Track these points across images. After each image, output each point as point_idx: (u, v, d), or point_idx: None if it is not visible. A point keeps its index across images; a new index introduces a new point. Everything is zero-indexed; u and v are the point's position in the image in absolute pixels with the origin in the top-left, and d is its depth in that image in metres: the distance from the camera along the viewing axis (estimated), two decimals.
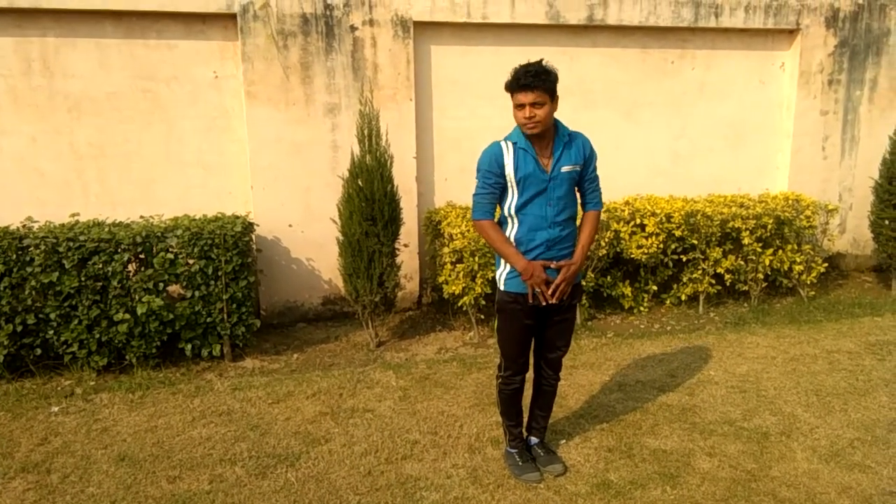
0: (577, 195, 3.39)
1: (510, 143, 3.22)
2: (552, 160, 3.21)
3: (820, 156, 6.97)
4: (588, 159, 3.32)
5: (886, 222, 6.43)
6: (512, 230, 3.28)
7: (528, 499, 3.31)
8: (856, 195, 7.12)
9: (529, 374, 3.53)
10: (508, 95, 3.18)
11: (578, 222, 3.41)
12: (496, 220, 3.32)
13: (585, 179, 3.34)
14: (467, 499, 3.32)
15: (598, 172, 3.42)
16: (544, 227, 3.22)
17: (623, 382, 4.59)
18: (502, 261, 3.31)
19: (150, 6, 5.30)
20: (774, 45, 6.81)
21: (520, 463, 3.52)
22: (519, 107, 3.13)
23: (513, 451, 3.58)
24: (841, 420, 4.04)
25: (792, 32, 6.76)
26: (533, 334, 3.42)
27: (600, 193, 3.43)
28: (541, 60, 3.14)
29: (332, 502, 3.31)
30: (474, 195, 3.29)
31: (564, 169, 3.22)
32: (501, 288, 3.35)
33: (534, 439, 3.67)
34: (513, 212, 3.25)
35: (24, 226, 4.79)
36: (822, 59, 6.77)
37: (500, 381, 3.50)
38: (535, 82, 3.07)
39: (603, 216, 5.60)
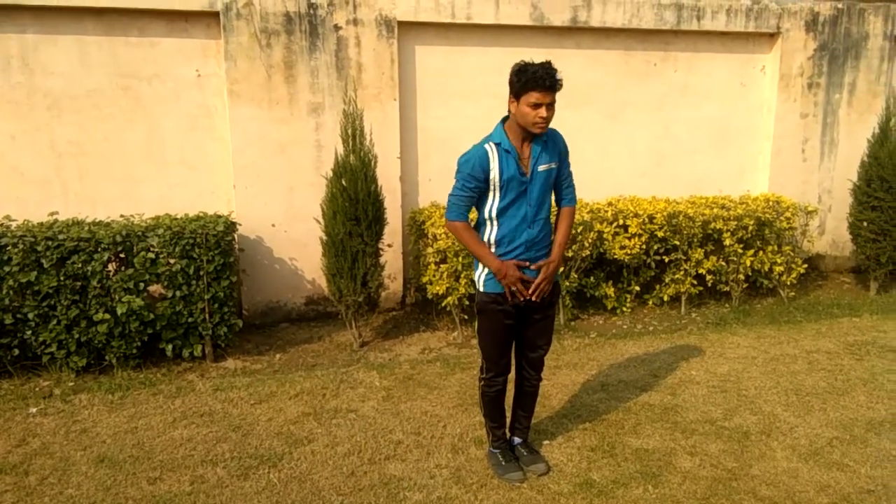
0: (552, 193, 3.40)
1: (494, 146, 3.21)
2: (530, 160, 3.22)
3: (800, 158, 7.05)
4: (563, 155, 3.35)
5: (865, 224, 6.51)
6: (491, 232, 3.28)
7: (511, 498, 3.32)
8: (835, 197, 7.21)
9: (512, 375, 3.53)
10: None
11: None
12: (473, 223, 3.32)
13: (561, 176, 3.36)
14: (450, 499, 3.31)
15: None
16: (525, 228, 3.24)
17: (606, 382, 4.61)
18: (480, 262, 3.32)
19: (132, 3, 5.25)
20: (755, 49, 6.88)
21: (503, 463, 3.52)
22: (535, 105, 3.05)
23: (496, 451, 3.58)
24: (820, 419, 4.09)
25: (773, 36, 6.83)
26: (514, 335, 3.42)
27: (574, 189, 3.45)
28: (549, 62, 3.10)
29: (315, 503, 3.29)
30: (451, 195, 3.25)
31: (541, 168, 3.23)
32: (480, 289, 3.35)
33: (517, 439, 3.68)
34: (493, 214, 3.25)
35: (1, 224, 4.72)
36: (802, 63, 6.85)
37: (482, 383, 3.50)
38: (557, 84, 3.04)
39: (586, 217, 5.64)
